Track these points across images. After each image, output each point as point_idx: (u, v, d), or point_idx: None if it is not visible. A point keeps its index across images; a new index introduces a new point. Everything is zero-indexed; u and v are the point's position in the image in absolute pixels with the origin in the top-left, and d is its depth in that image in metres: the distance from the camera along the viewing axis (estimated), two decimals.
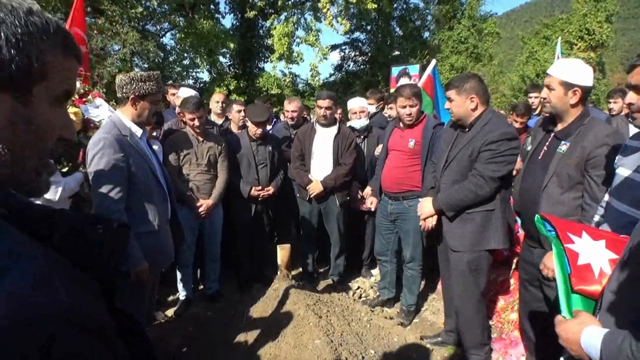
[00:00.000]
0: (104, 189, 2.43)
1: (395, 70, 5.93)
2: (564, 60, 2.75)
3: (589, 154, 2.46)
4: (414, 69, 5.72)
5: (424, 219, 3.18)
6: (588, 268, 1.63)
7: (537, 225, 1.96)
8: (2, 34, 0.62)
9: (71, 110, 3.31)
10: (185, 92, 4.71)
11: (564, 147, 2.59)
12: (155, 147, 3.67)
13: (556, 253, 1.81)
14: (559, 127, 2.67)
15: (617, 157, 2.21)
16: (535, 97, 5.94)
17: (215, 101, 5.25)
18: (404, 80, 5.56)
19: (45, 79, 0.68)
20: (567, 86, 2.54)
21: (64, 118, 0.76)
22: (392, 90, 5.68)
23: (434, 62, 5.13)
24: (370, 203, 4.17)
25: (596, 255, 1.64)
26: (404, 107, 3.62)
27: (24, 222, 0.64)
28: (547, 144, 2.73)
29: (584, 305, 1.61)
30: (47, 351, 0.51)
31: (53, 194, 2.83)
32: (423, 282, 4.33)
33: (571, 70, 2.55)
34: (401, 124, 3.79)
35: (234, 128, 4.83)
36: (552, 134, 2.72)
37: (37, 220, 0.66)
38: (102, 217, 0.75)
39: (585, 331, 1.27)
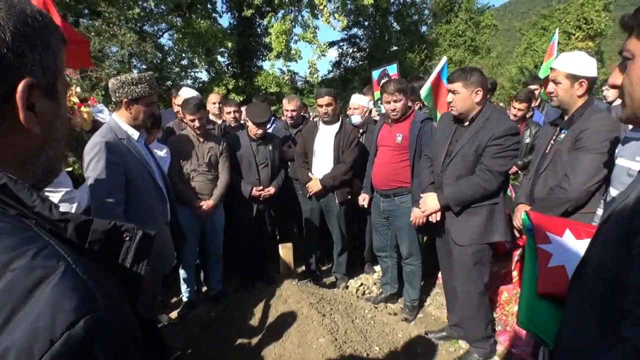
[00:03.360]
0: (102, 193, 2.42)
1: (375, 74, 5.87)
2: (567, 53, 2.76)
3: (577, 136, 2.51)
4: (392, 69, 5.68)
5: (427, 215, 3.17)
6: (560, 270, 1.56)
7: (523, 222, 1.92)
8: (41, 44, 0.66)
9: (84, 110, 3.43)
10: (187, 93, 4.61)
11: (562, 135, 2.65)
12: (162, 152, 3.65)
13: (528, 254, 1.76)
14: (565, 119, 2.71)
15: (617, 149, 2.22)
16: (535, 89, 5.89)
17: (212, 102, 5.10)
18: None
19: (61, 73, 0.72)
20: (574, 78, 2.57)
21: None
22: (376, 93, 5.63)
23: (444, 59, 4.84)
24: (363, 200, 4.17)
25: (575, 255, 1.54)
26: (389, 102, 3.66)
27: (60, 231, 0.65)
28: (553, 137, 2.75)
29: (554, 312, 1.52)
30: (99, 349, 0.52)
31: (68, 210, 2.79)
32: (425, 277, 4.32)
33: (576, 62, 2.58)
34: (389, 120, 3.81)
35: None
36: (558, 128, 2.75)
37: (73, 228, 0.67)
38: (128, 225, 0.75)
39: None
